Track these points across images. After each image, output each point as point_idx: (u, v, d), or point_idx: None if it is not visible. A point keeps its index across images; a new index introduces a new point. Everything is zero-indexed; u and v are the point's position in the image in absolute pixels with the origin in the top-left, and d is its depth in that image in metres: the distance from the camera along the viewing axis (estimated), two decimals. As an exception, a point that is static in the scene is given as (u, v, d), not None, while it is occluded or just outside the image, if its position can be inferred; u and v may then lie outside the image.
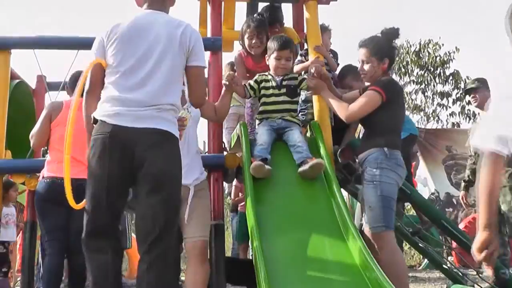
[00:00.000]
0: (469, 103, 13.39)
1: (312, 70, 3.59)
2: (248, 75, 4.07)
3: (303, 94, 4.22)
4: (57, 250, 3.61)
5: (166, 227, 2.50)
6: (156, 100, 2.61)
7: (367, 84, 3.42)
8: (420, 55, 14.36)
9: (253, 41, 3.92)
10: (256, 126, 3.69)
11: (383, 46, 3.36)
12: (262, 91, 3.62)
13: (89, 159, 2.58)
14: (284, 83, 3.59)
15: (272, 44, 3.60)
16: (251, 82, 3.62)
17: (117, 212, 2.63)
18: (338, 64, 4.46)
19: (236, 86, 3.53)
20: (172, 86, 2.68)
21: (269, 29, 4.14)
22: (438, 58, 14.20)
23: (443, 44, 14.19)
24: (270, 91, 3.59)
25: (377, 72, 3.34)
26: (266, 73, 3.64)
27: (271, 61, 3.61)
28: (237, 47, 4.52)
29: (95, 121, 2.61)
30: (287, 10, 4.92)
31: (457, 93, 14.14)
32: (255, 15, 4.35)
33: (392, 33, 3.39)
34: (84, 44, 4.73)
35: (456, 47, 14.03)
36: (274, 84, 3.59)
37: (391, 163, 3.15)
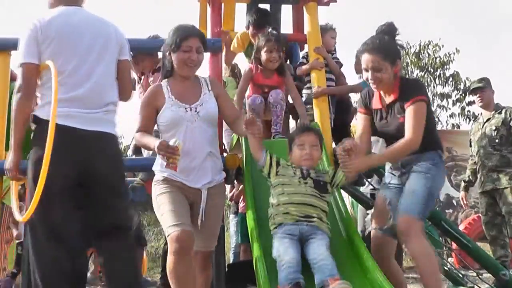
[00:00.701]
0: (469, 104, 13.42)
1: (338, 151, 2.88)
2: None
3: (304, 95, 4.22)
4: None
5: (127, 222, 2.83)
6: (101, 99, 2.69)
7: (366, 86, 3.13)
8: (420, 56, 14.35)
9: (273, 55, 3.84)
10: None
11: (391, 47, 2.99)
12: (280, 171, 2.92)
13: (34, 160, 2.54)
14: (311, 175, 2.88)
15: (294, 130, 3.06)
16: (273, 156, 2.94)
17: (73, 214, 2.63)
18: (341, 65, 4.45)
19: (254, 132, 2.80)
20: (113, 83, 2.81)
21: (257, 33, 4.12)
22: (438, 59, 14.20)
23: (443, 46, 14.20)
24: (294, 179, 2.85)
25: (391, 77, 2.94)
26: (290, 164, 2.95)
27: (293, 150, 2.93)
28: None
29: (36, 121, 2.59)
30: (287, 11, 4.94)
31: (457, 95, 14.14)
32: (251, 16, 4.34)
33: (392, 29, 3.07)
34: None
35: (456, 48, 14.04)
36: (298, 173, 2.87)
37: (443, 167, 3.03)
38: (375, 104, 3.06)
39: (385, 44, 2.94)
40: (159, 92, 3.00)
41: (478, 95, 5.11)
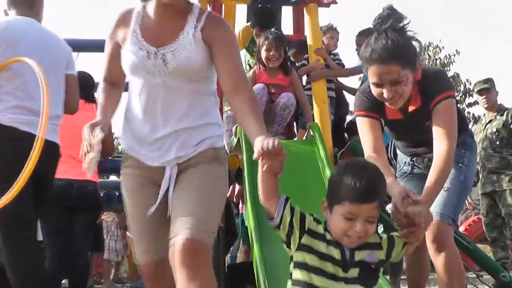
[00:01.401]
0: (469, 105, 13.42)
1: (398, 216, 1.81)
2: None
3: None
4: (56, 253, 3.60)
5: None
6: (54, 111, 2.76)
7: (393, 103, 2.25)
8: (421, 57, 14.33)
9: (271, 53, 3.84)
10: None
11: (408, 47, 2.23)
12: (306, 241, 1.68)
13: None
14: (358, 257, 1.66)
15: (346, 187, 1.64)
16: (296, 211, 1.71)
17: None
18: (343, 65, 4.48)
19: (274, 168, 1.61)
20: (61, 96, 2.88)
21: (259, 36, 4.11)
22: (438, 61, 14.22)
23: (443, 47, 14.23)
24: (327, 264, 1.64)
25: (412, 85, 2.25)
26: (323, 229, 1.69)
27: (334, 216, 1.67)
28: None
29: None
30: (287, 13, 4.95)
31: (457, 96, 14.15)
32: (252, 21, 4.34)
33: (397, 19, 2.20)
34: (85, 46, 4.75)
35: (456, 50, 14.06)
36: (337, 256, 1.65)
37: (475, 145, 2.64)
38: (392, 114, 2.37)
39: (400, 47, 2.16)
40: (126, 19, 2.01)
41: (484, 96, 5.07)
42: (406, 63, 2.16)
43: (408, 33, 2.24)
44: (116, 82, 2.06)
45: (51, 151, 2.75)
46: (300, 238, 1.68)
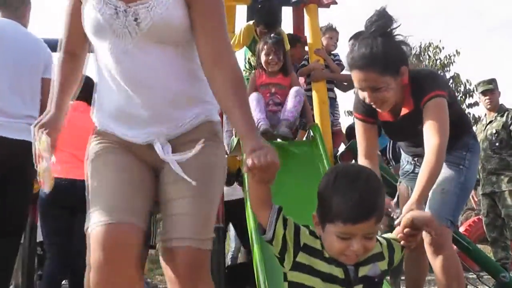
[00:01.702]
0: (469, 106, 13.41)
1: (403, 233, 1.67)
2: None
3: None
4: (56, 253, 3.59)
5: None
6: (27, 111, 2.81)
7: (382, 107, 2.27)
8: (421, 58, 14.37)
9: (270, 57, 3.85)
10: None
11: (390, 52, 2.16)
12: (302, 259, 1.49)
13: None
14: (362, 273, 1.50)
15: (337, 205, 1.42)
16: (289, 224, 1.50)
17: None
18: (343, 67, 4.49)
19: (263, 179, 1.42)
20: (35, 97, 2.91)
21: (267, 32, 4.13)
22: (438, 61, 14.22)
23: (443, 47, 14.23)
24: (330, 286, 1.47)
25: (399, 90, 2.23)
26: (320, 245, 1.49)
27: (327, 234, 1.46)
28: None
29: None
30: (287, 13, 4.95)
31: (457, 97, 14.15)
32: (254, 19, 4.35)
33: (387, 23, 2.18)
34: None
35: (456, 50, 14.06)
36: (341, 275, 1.47)
37: (478, 147, 2.58)
38: (383, 117, 2.39)
39: (380, 53, 2.13)
40: None
41: (488, 97, 5.06)
42: (385, 70, 2.15)
43: (397, 37, 2.21)
44: (77, 51, 1.73)
45: (20, 150, 2.76)
46: (295, 255, 1.48)
